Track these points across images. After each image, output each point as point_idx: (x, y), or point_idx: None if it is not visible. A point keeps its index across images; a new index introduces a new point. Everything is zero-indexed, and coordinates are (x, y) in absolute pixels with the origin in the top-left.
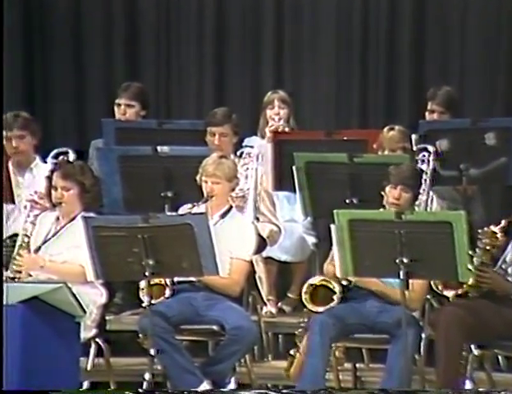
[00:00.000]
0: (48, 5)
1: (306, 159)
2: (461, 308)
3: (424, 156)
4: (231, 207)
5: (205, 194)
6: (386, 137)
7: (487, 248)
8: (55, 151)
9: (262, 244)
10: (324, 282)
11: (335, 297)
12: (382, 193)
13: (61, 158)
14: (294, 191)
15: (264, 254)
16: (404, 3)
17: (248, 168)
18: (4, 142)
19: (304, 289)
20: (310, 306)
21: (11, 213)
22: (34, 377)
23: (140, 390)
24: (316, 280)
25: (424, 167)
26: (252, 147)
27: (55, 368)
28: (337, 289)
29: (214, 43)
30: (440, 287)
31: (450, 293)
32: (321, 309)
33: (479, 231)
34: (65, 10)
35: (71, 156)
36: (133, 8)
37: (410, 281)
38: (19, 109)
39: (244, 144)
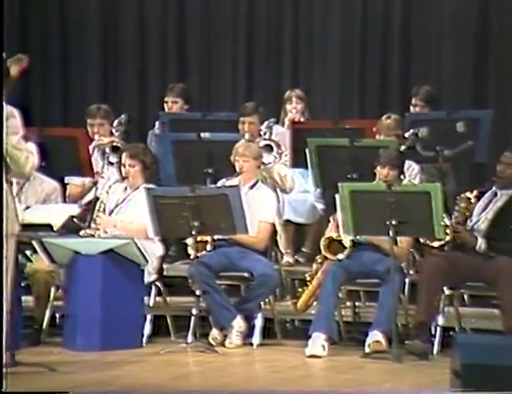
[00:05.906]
0: (119, 29)
1: (316, 143)
2: (440, 258)
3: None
4: (258, 180)
5: (237, 170)
6: (384, 124)
7: (462, 210)
8: None
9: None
10: (339, 237)
11: (346, 249)
12: (375, 171)
13: None
14: (307, 168)
15: (284, 217)
16: (394, 20)
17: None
18: (88, 128)
19: (322, 241)
20: (327, 254)
21: (90, 184)
22: (111, 310)
23: None
24: (333, 235)
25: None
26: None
27: (126, 304)
28: (348, 244)
29: (245, 53)
30: (423, 240)
31: (434, 244)
32: (333, 257)
33: (457, 197)
34: (131, 35)
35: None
36: (182, 27)
37: (398, 238)
38: (99, 103)
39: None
